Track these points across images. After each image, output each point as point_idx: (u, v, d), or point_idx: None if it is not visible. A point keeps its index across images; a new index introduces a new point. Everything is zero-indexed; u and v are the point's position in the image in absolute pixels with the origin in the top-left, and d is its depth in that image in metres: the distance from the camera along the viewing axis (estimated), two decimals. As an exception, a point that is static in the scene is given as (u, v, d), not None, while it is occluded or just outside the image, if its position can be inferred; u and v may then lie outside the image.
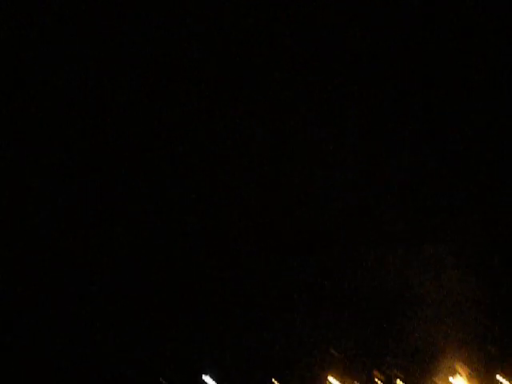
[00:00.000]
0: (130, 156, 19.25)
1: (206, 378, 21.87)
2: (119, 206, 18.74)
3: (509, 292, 21.97)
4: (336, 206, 20.41)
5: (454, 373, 23.85)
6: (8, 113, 18.08)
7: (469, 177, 21.22)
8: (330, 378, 24.34)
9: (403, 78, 22.39)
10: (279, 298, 21.38)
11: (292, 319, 21.86)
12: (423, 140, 21.99)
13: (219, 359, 20.85)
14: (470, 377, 23.26)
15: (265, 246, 20.73)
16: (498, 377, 22.82)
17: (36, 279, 15.84)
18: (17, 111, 18.21)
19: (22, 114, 18.22)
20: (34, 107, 18.33)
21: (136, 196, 19.06)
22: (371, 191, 20.48)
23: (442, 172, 20.99)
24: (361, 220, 20.55)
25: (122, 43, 19.59)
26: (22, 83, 18.24)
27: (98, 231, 17.88)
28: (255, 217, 20.36)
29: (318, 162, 21.67)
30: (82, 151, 18.70)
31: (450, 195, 21.40)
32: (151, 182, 19.68)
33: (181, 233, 19.40)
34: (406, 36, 22.01)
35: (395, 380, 23.88)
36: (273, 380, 23.45)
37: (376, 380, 24.10)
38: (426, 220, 21.02)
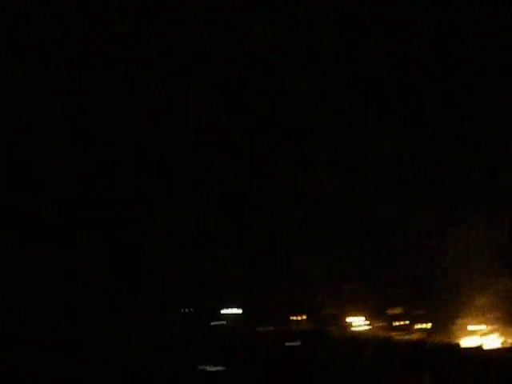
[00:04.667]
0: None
1: (233, 310, 22.39)
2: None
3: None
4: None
5: (478, 320, 23.47)
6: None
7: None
8: (353, 318, 24.29)
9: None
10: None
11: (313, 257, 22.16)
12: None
13: (243, 295, 21.31)
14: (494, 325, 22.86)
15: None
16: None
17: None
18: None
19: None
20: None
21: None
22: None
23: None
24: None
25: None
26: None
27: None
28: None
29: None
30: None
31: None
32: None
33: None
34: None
35: (417, 324, 23.75)
36: (292, 317, 23.48)
37: (396, 322, 24.00)
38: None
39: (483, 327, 22.52)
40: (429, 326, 23.13)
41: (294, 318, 22.64)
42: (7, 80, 17.73)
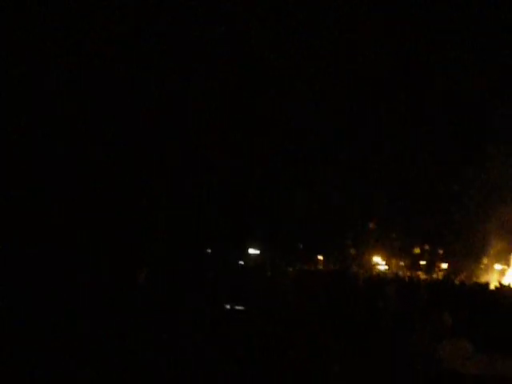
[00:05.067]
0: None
1: (252, 250, 22.80)
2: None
3: None
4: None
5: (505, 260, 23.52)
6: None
7: None
8: (375, 258, 24.47)
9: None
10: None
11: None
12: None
13: (263, 235, 21.86)
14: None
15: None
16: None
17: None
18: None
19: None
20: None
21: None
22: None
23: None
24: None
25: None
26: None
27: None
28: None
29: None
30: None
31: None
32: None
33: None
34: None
35: (439, 263, 23.85)
36: (318, 256, 23.73)
37: (420, 262, 24.06)
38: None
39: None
40: (454, 264, 23.27)
41: (320, 258, 22.98)
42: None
